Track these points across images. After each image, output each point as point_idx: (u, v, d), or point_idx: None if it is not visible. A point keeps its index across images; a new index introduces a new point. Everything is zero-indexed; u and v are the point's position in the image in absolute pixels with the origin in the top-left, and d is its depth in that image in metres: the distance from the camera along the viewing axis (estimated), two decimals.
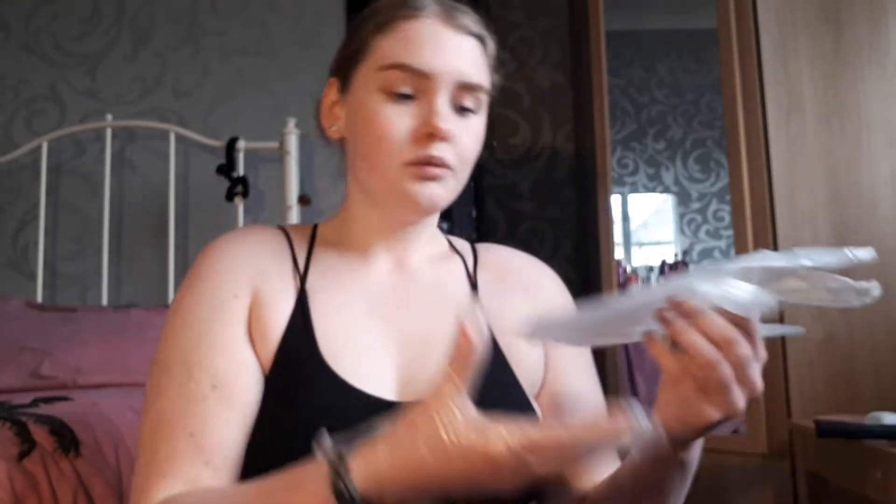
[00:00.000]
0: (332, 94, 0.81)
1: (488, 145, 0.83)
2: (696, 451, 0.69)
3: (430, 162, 0.73)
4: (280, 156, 2.23)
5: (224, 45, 2.39)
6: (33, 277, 2.22)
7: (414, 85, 0.74)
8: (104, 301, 2.18)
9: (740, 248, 1.78)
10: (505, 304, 0.82)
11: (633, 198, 4.20)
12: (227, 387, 0.70)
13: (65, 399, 1.34)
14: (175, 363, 0.71)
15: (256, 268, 0.76)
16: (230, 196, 2.18)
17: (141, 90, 2.37)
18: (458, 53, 0.75)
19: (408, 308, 0.79)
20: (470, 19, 0.77)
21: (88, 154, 2.33)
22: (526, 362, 0.79)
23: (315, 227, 0.85)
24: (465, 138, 0.75)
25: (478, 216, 2.52)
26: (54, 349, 1.71)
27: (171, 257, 2.19)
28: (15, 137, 2.33)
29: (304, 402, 0.70)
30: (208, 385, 0.69)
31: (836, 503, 1.44)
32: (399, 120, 0.74)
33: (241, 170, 2.21)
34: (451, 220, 2.32)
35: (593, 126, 2.40)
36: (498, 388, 0.74)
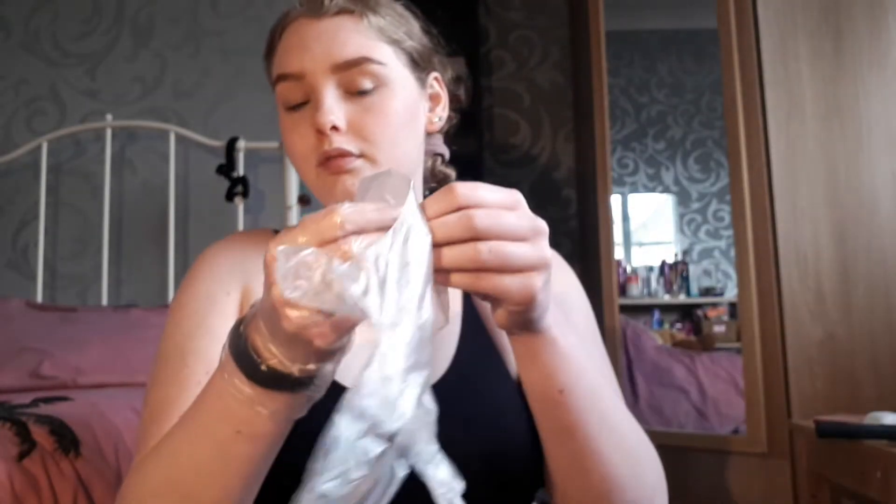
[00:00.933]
0: None
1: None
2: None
3: (329, 156, 0.72)
4: (280, 156, 2.23)
5: (224, 45, 2.39)
6: (33, 277, 2.22)
7: (299, 90, 0.74)
8: (104, 301, 2.18)
9: (740, 247, 1.78)
10: None
11: (633, 198, 4.19)
12: None
13: (65, 399, 1.35)
14: (171, 355, 0.72)
15: (247, 268, 0.78)
16: (230, 196, 2.18)
17: (141, 90, 2.37)
18: (324, 39, 0.73)
19: None
20: None
21: (88, 154, 2.33)
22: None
23: None
24: (364, 119, 0.72)
25: None
26: (54, 349, 1.71)
27: (171, 257, 2.19)
28: (15, 137, 2.33)
29: None
30: (203, 371, 0.70)
31: (836, 503, 1.44)
32: (298, 128, 0.74)
33: (241, 170, 2.21)
34: None
35: (593, 126, 2.40)
36: (488, 379, 0.75)
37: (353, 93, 0.73)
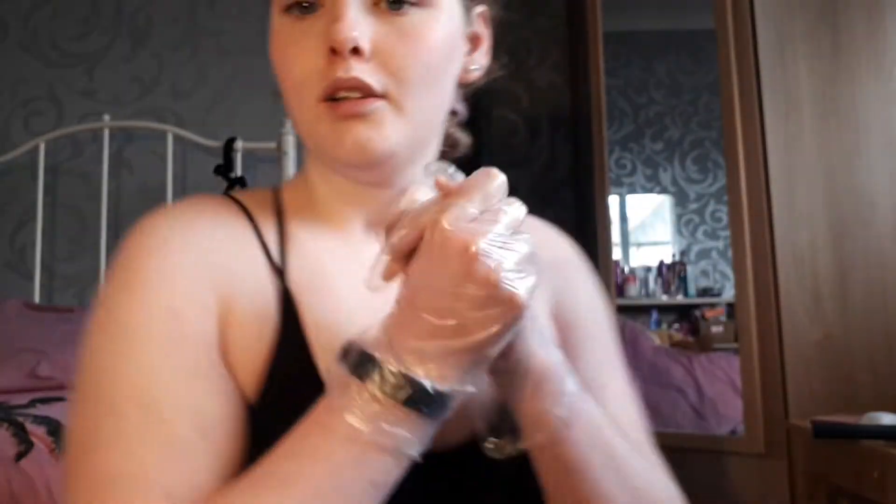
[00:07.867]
0: None
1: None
2: None
3: (340, 87, 0.53)
4: (278, 156, 2.23)
5: (222, 45, 2.39)
6: (31, 278, 2.22)
7: None
8: None
9: (738, 248, 1.78)
10: None
11: (630, 198, 4.20)
12: (213, 430, 0.50)
13: (62, 399, 1.34)
14: (128, 405, 0.49)
15: (219, 263, 0.56)
16: None
17: (139, 90, 2.37)
18: None
19: None
20: None
21: (86, 154, 2.33)
22: None
23: (275, 195, 0.64)
24: (396, 45, 0.54)
25: None
26: (52, 350, 1.70)
27: None
28: (13, 137, 2.33)
29: None
30: (188, 427, 0.49)
31: (833, 503, 1.44)
32: (301, 41, 0.54)
33: (238, 170, 2.21)
34: None
35: (591, 126, 2.41)
36: None
37: (385, 6, 0.54)
